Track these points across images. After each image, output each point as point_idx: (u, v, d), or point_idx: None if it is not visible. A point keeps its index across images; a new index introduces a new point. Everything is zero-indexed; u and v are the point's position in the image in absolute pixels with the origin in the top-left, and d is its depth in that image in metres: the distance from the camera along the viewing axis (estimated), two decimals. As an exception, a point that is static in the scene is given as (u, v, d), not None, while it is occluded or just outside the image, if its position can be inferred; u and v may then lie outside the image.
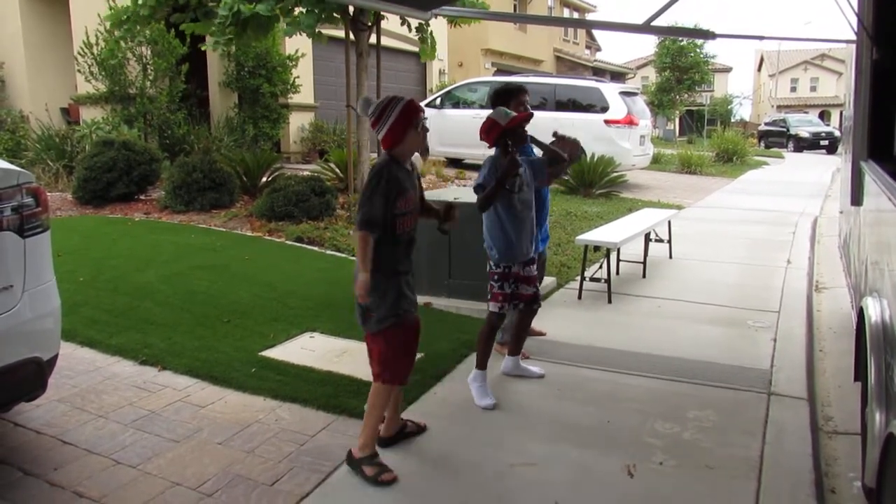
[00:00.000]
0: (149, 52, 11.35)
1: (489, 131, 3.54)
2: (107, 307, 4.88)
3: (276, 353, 4.18)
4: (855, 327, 3.51)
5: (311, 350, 4.25)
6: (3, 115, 12.65)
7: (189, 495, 2.73)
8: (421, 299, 4.21)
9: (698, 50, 30.04)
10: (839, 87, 47.31)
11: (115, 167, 8.79)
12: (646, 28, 4.26)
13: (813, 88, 54.12)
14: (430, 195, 5.63)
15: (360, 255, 2.70)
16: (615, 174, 11.22)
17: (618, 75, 33.71)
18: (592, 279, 5.61)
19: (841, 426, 3.54)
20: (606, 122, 12.19)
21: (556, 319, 4.93)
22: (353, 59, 8.45)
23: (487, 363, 3.64)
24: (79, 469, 2.90)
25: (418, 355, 3.36)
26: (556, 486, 2.82)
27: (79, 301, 4.91)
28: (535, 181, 3.70)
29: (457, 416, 3.44)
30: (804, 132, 28.76)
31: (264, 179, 9.43)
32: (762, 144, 29.89)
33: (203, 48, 9.90)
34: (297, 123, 14.56)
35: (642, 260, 6.37)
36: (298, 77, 13.86)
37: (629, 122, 12.29)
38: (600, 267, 5.79)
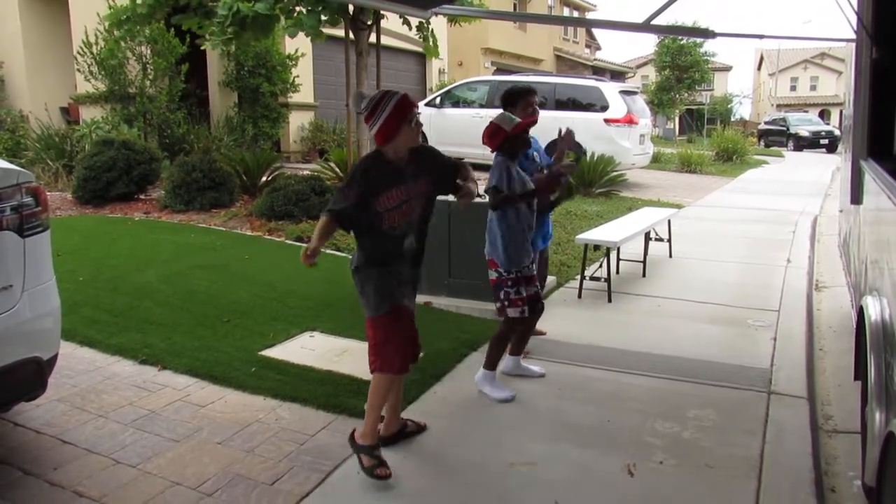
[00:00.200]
0: (148, 52, 11.34)
1: (493, 136, 3.51)
2: (106, 307, 4.88)
3: (276, 352, 4.18)
4: (855, 326, 3.51)
5: (311, 349, 4.25)
6: (2, 114, 12.64)
7: (189, 495, 2.73)
8: (421, 298, 4.22)
9: (698, 49, 30.03)
10: (839, 86, 47.31)
11: (114, 167, 8.79)
12: (646, 27, 4.25)
13: (813, 87, 54.10)
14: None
15: (316, 230, 2.75)
16: (615, 173, 11.21)
17: (618, 74, 33.70)
18: (592, 278, 5.61)
19: (841, 425, 3.54)
20: (606, 121, 12.18)
21: (557, 318, 4.93)
22: (352, 58, 8.45)
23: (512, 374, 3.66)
24: (79, 469, 2.90)
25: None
26: (556, 486, 2.82)
27: (78, 301, 4.91)
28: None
29: (457, 416, 3.44)
30: (804, 131, 28.76)
31: (264, 179, 9.43)
32: (762, 143, 29.89)
33: (202, 47, 9.90)
34: (297, 123, 14.56)
35: (642, 259, 6.37)
36: (298, 76, 13.86)
37: (629, 121, 12.29)
38: (600, 266, 5.79)
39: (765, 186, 13.96)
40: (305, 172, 9.01)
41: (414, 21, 9.20)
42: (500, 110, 3.84)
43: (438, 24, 11.70)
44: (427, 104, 14.22)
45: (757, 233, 8.53)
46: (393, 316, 2.84)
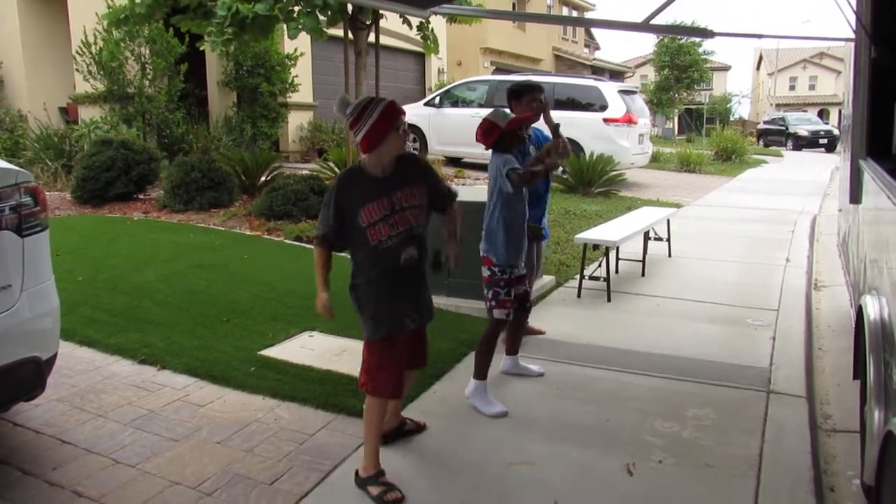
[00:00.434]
0: (147, 52, 11.34)
1: (488, 133, 3.41)
2: (106, 306, 4.88)
3: (275, 352, 4.18)
4: (854, 325, 3.51)
5: (311, 349, 4.25)
6: (1, 114, 12.63)
7: (188, 494, 2.73)
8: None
9: (697, 48, 30.03)
10: (838, 85, 47.35)
11: (113, 166, 8.79)
12: (645, 26, 4.25)
13: (812, 87, 54.13)
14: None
15: (316, 270, 2.77)
16: (614, 173, 11.22)
17: (617, 74, 33.70)
18: (592, 278, 5.61)
19: (840, 424, 3.55)
20: (605, 120, 12.19)
21: (556, 318, 4.93)
22: (351, 57, 8.45)
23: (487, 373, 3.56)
24: (78, 468, 2.90)
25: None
26: (555, 486, 2.82)
27: (77, 300, 4.90)
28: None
29: (456, 416, 3.44)
30: (803, 130, 28.79)
31: (263, 178, 9.43)
32: (761, 143, 29.92)
33: (201, 48, 9.89)
34: (296, 122, 14.55)
35: (641, 258, 6.37)
36: (297, 76, 13.86)
37: (628, 120, 12.29)
38: (599, 265, 5.80)
39: (764, 186, 13.97)
40: (304, 172, 9.01)
41: (414, 20, 9.20)
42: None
43: (438, 23, 11.70)
44: (426, 104, 14.23)
45: (756, 232, 8.53)
46: (388, 343, 2.74)
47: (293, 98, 14.12)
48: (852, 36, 4.19)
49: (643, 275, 6.25)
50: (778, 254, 7.23)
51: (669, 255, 6.99)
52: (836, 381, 4.08)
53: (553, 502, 2.70)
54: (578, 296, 5.52)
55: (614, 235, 5.71)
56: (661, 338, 4.58)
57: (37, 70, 13.58)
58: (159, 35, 11.10)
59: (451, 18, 10.57)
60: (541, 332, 4.57)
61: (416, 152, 13.47)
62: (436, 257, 2.92)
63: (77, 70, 11.54)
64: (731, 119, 42.65)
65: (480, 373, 3.53)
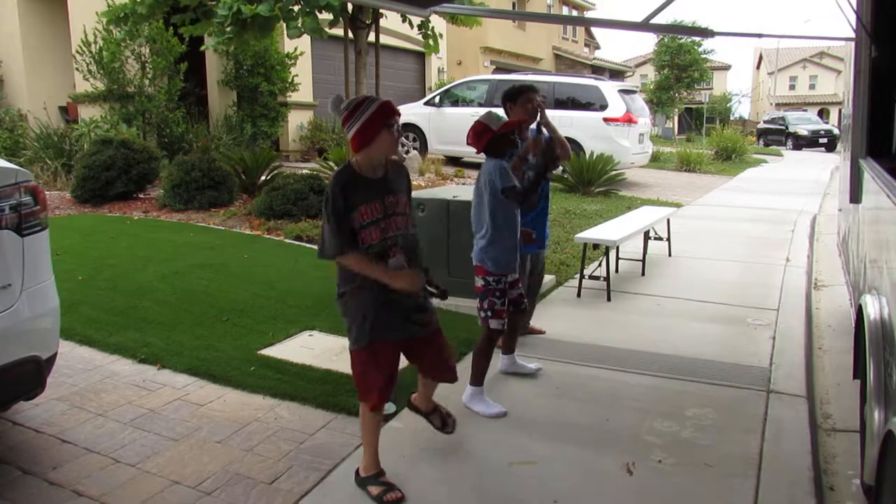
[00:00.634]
0: (147, 51, 11.34)
1: (480, 136, 3.33)
2: (105, 306, 4.88)
3: (275, 351, 4.18)
4: (854, 325, 3.51)
5: (310, 348, 4.25)
6: (1, 113, 12.63)
7: (188, 494, 2.73)
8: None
9: (697, 48, 30.03)
10: (838, 84, 47.34)
11: (113, 166, 8.79)
12: (645, 26, 4.25)
13: (812, 86, 54.13)
14: (428, 193, 5.64)
15: (361, 270, 2.59)
16: (614, 172, 11.22)
17: (617, 73, 33.69)
18: (592, 277, 5.61)
19: (840, 424, 3.55)
20: (605, 120, 12.19)
21: (556, 317, 4.93)
22: (351, 57, 8.45)
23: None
24: (78, 468, 2.90)
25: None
26: (555, 485, 2.82)
27: (77, 300, 4.90)
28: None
29: (456, 415, 3.43)
30: (803, 130, 28.79)
31: (263, 178, 9.43)
32: (761, 142, 29.91)
33: (203, 48, 9.91)
34: (296, 122, 14.55)
35: (641, 258, 6.37)
36: (297, 75, 13.86)
37: (628, 120, 12.29)
38: (599, 265, 5.80)
39: (764, 185, 13.97)
40: (304, 171, 9.01)
41: (415, 19, 9.21)
42: (501, 109, 3.81)
43: (438, 22, 11.71)
44: (426, 103, 14.23)
45: (756, 232, 8.53)
46: (370, 351, 2.65)
47: (293, 97, 14.12)
48: (852, 35, 4.19)
49: (643, 274, 6.25)
50: (778, 253, 7.23)
51: (669, 255, 6.99)
52: (836, 380, 4.08)
53: (553, 502, 2.70)
54: (578, 295, 5.52)
55: (614, 235, 5.70)
56: (661, 337, 4.58)
57: (37, 69, 13.59)
58: (159, 34, 11.10)
59: (452, 19, 10.57)
60: (541, 332, 4.57)
61: (415, 150, 13.53)
62: (430, 285, 2.79)
63: (77, 69, 11.54)
64: (731, 118, 42.65)
65: (477, 380, 3.51)
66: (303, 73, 14.20)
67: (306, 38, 9.84)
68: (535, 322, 4.61)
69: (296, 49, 13.29)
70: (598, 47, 40.40)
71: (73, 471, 2.87)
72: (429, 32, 9.34)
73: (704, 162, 16.89)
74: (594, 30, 37.04)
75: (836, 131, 27.10)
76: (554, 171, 4.15)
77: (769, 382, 3.86)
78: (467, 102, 13.67)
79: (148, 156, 9.24)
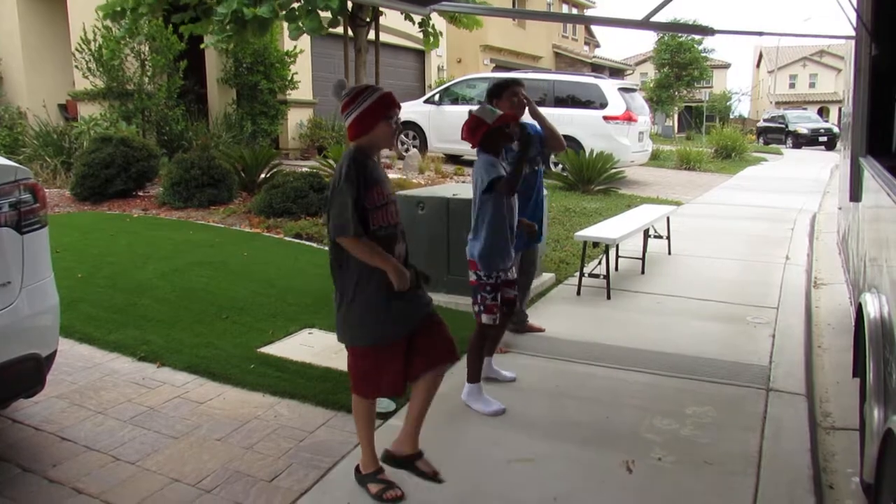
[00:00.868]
0: (147, 49, 11.33)
1: (474, 130, 3.30)
2: (105, 304, 4.88)
3: (275, 349, 4.18)
4: (853, 323, 3.51)
5: (310, 346, 4.25)
6: (0, 111, 12.62)
7: (188, 491, 2.73)
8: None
9: (697, 46, 30.02)
10: (838, 83, 47.32)
11: (113, 163, 8.78)
12: (645, 24, 4.25)
13: (812, 85, 54.14)
14: (428, 191, 5.63)
15: (370, 259, 2.48)
16: (614, 170, 11.22)
17: (617, 71, 33.66)
18: (591, 275, 5.61)
19: (839, 422, 3.55)
20: (605, 118, 12.19)
21: (555, 315, 4.93)
22: (351, 55, 8.45)
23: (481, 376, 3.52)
24: (78, 465, 2.90)
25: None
26: (554, 483, 2.82)
27: (77, 297, 4.90)
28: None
29: (455, 413, 3.43)
30: (803, 128, 28.79)
31: (263, 176, 9.43)
32: (761, 141, 29.91)
33: (203, 46, 9.89)
34: (296, 120, 14.55)
35: (641, 256, 6.37)
36: (297, 73, 13.85)
37: (628, 118, 12.29)
38: (599, 263, 5.80)
39: (763, 184, 13.97)
40: (304, 169, 8.99)
41: (416, 17, 9.20)
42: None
43: (438, 20, 11.70)
44: (426, 101, 14.23)
45: (756, 230, 8.53)
46: (376, 349, 2.59)
47: (293, 95, 14.11)
48: (853, 33, 4.19)
49: (643, 272, 6.25)
50: (778, 251, 7.23)
51: (669, 253, 6.99)
52: (835, 378, 4.09)
53: (552, 499, 2.70)
54: (578, 293, 5.52)
55: (614, 233, 5.70)
56: (661, 335, 4.58)
57: (36, 67, 13.57)
58: (159, 32, 11.09)
59: (451, 19, 10.56)
60: (540, 330, 4.57)
61: (415, 148, 13.53)
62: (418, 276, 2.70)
63: (76, 67, 11.53)
64: (731, 117, 42.64)
65: (474, 377, 3.50)
66: (302, 70, 14.18)
67: (306, 36, 9.82)
68: (534, 320, 4.61)
69: (295, 47, 13.28)
70: (598, 45, 40.37)
71: (72, 468, 2.87)
72: (429, 30, 9.33)
73: (704, 160, 16.88)
74: (594, 28, 37.02)
75: (835, 130, 27.09)
76: (546, 163, 4.12)
77: (769, 380, 3.86)
78: (467, 100, 13.66)
79: (147, 153, 9.23)
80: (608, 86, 12.85)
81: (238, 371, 3.83)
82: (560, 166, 11.43)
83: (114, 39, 10.59)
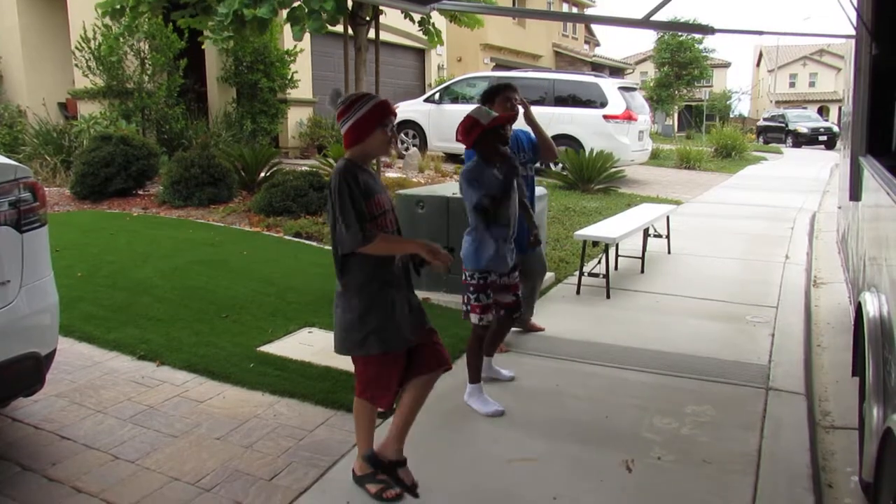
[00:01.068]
0: (147, 47, 11.32)
1: (469, 131, 3.27)
2: (105, 302, 4.88)
3: (275, 348, 4.18)
4: (853, 322, 3.51)
5: (310, 345, 4.25)
6: (0, 109, 12.62)
7: (188, 490, 2.73)
8: (420, 295, 4.20)
9: (697, 45, 30.02)
10: (838, 82, 47.32)
11: (113, 162, 8.78)
12: (645, 23, 4.25)
13: (812, 84, 54.13)
14: (428, 190, 5.63)
15: (396, 249, 2.54)
16: (614, 169, 11.22)
17: (617, 70, 33.66)
18: (591, 274, 5.61)
19: (838, 421, 3.55)
20: (605, 117, 12.20)
21: (555, 315, 4.93)
22: (351, 54, 8.44)
23: (481, 375, 3.53)
24: (77, 464, 2.90)
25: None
26: (554, 482, 2.82)
27: (77, 296, 4.90)
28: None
29: (455, 412, 3.44)
30: (803, 127, 28.79)
31: (263, 174, 9.43)
32: (761, 140, 29.92)
33: (202, 42, 9.87)
34: (296, 118, 14.54)
35: (641, 255, 6.38)
36: (297, 72, 13.84)
37: (628, 117, 12.30)
38: (599, 262, 5.80)
39: (763, 183, 13.97)
40: (304, 168, 8.99)
41: (416, 16, 9.20)
42: None
43: (439, 19, 11.69)
44: (426, 100, 14.23)
45: (755, 229, 8.54)
46: (383, 357, 2.60)
47: (293, 94, 14.10)
48: (853, 33, 4.19)
49: (642, 271, 6.26)
50: (777, 251, 7.23)
51: (669, 252, 6.99)
52: (834, 377, 4.09)
53: (552, 498, 2.71)
54: (578, 292, 5.52)
55: (614, 232, 5.71)
56: (660, 334, 4.59)
57: (36, 65, 13.57)
58: (158, 30, 11.09)
59: (452, 18, 10.55)
60: (540, 329, 4.57)
61: (415, 147, 13.52)
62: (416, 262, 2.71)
63: (76, 65, 11.52)
64: (731, 116, 42.65)
65: (474, 377, 3.51)
66: (302, 69, 14.18)
67: (306, 35, 9.81)
68: (534, 319, 4.61)
69: (295, 46, 13.28)
70: (598, 44, 40.38)
71: (72, 467, 2.87)
72: (430, 28, 9.33)
73: (704, 159, 16.89)
74: (594, 27, 37.01)
75: (835, 129, 27.09)
76: (547, 166, 4.13)
77: (768, 379, 3.86)
78: (467, 99, 13.66)
79: (147, 152, 9.23)
80: (608, 85, 12.84)
81: (238, 370, 3.83)
82: (560, 165, 11.43)
83: (113, 37, 10.58)
